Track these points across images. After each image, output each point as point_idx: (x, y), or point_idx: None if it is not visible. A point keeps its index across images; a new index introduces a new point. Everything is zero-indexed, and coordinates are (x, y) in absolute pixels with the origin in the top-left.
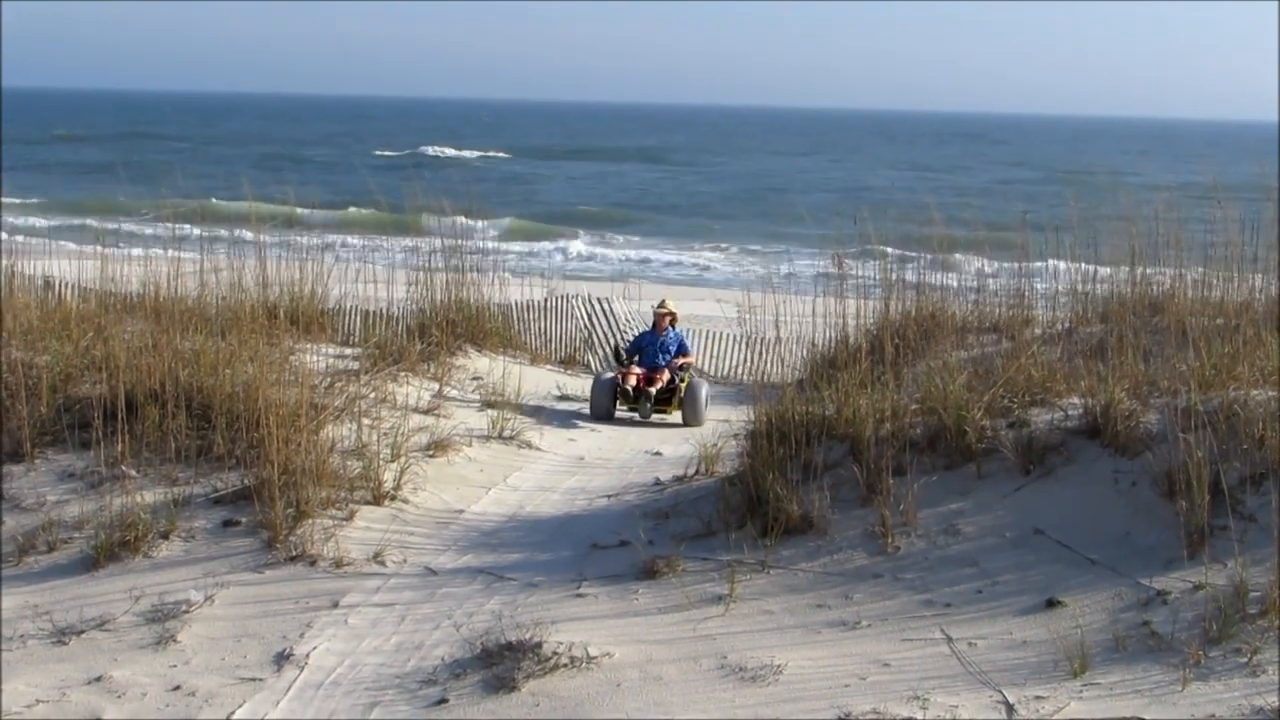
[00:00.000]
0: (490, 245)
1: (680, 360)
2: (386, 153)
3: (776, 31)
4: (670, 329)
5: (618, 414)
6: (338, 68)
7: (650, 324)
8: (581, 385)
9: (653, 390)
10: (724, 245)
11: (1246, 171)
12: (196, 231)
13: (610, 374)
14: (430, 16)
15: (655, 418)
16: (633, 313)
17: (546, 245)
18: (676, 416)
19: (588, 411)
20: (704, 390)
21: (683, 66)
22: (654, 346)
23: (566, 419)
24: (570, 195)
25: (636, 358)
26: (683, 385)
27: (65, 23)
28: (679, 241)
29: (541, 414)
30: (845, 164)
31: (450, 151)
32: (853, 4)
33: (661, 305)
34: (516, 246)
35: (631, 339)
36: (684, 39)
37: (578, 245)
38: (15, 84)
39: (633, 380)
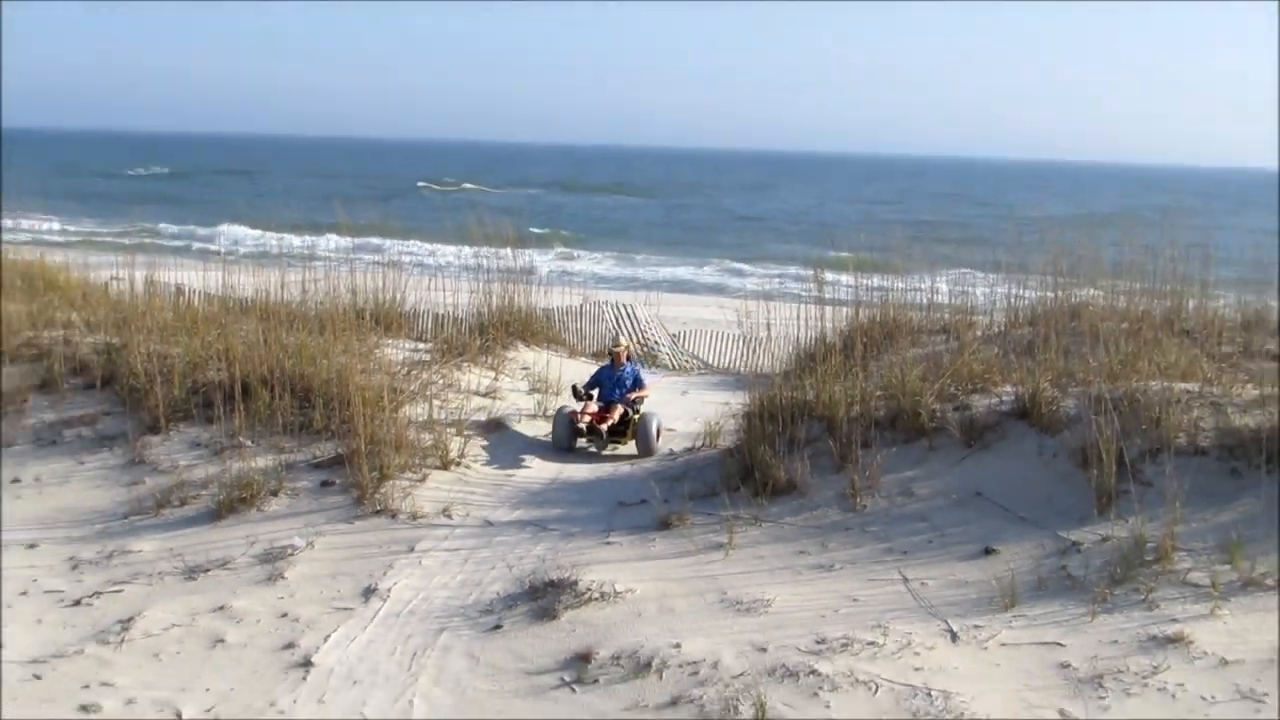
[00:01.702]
0: (537, 260)
1: (635, 394)
2: (433, 186)
3: (727, 83)
4: (627, 364)
5: (577, 445)
6: (344, 112)
7: (671, 336)
8: None
9: (604, 428)
10: (714, 261)
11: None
12: (298, 244)
13: (569, 409)
14: (412, 64)
15: (610, 450)
16: (651, 316)
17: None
18: (632, 447)
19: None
20: (654, 423)
21: (646, 112)
22: (611, 381)
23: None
24: (561, 220)
25: (596, 391)
26: (636, 418)
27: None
28: (678, 258)
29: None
30: (802, 196)
31: (469, 185)
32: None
33: (615, 343)
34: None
35: (591, 376)
36: (646, 89)
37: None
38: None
39: (585, 419)
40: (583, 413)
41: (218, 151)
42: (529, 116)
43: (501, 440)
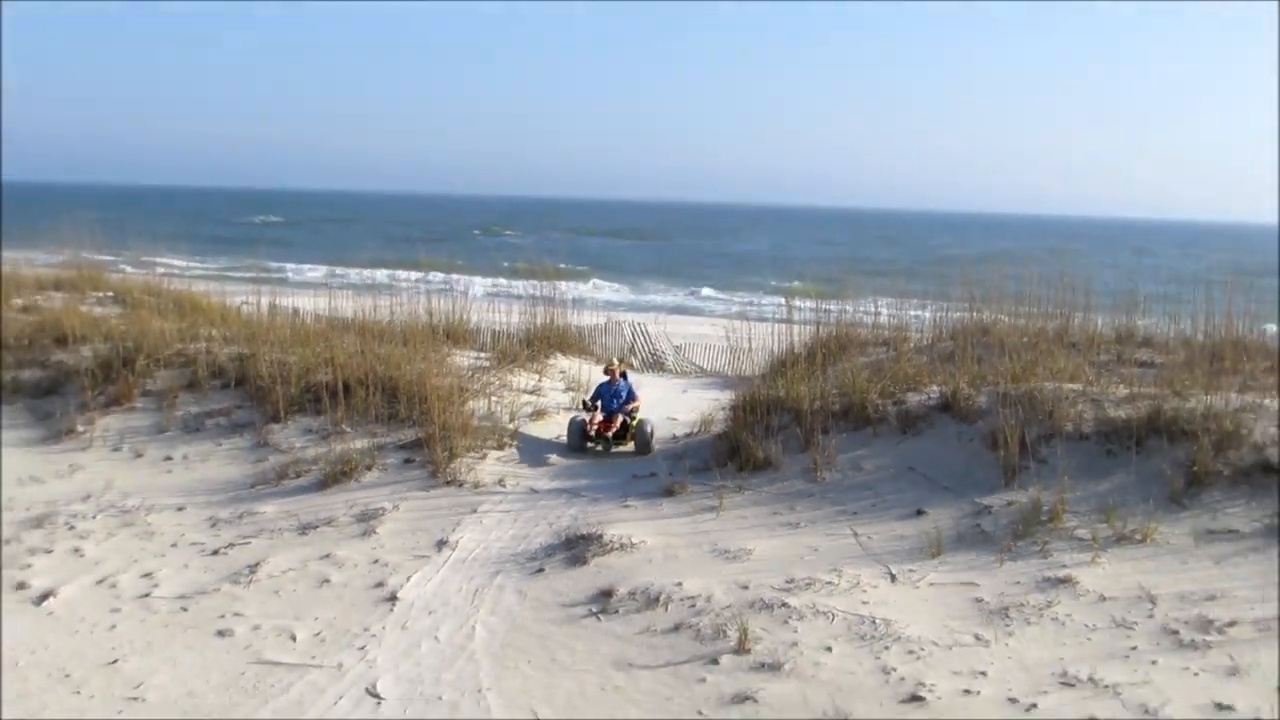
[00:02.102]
0: (568, 289)
1: (629, 405)
2: (477, 232)
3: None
4: (620, 380)
5: (587, 446)
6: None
7: (672, 352)
8: (632, 376)
9: (609, 434)
10: (704, 288)
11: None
12: (386, 279)
13: (581, 418)
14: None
15: (615, 450)
16: (659, 332)
17: (571, 285)
18: (631, 447)
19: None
20: (649, 428)
21: (632, 169)
22: (609, 394)
23: None
24: (585, 258)
25: (599, 403)
26: (634, 424)
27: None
28: (676, 287)
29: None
30: (763, 240)
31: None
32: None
33: (610, 364)
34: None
35: (594, 390)
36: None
37: (602, 289)
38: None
39: (594, 428)
40: (591, 423)
41: (320, 205)
42: (549, 174)
43: (543, 428)
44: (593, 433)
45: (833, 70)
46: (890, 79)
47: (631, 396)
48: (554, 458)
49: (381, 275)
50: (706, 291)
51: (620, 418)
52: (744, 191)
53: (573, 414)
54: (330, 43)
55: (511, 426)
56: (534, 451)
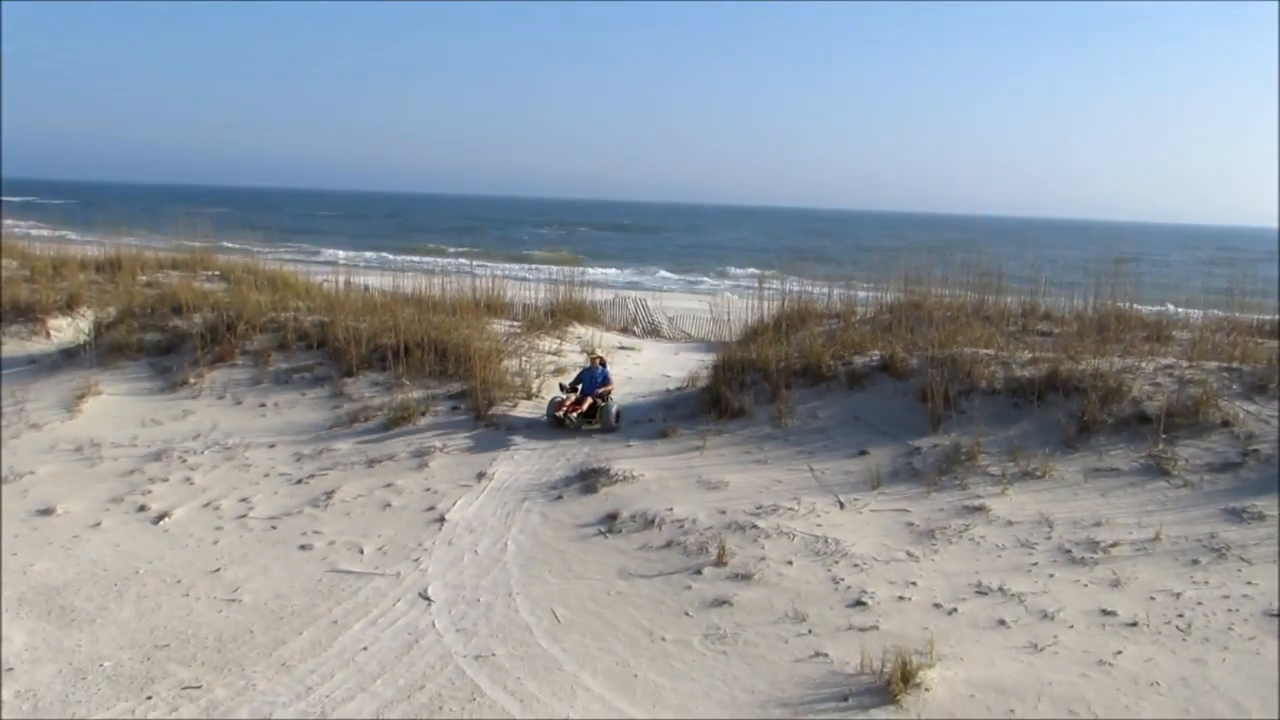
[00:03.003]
0: (583, 271)
1: (602, 389)
2: (536, 229)
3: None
4: (599, 367)
5: (558, 420)
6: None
7: (663, 341)
8: (633, 341)
9: (574, 416)
10: (693, 271)
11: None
12: (443, 263)
13: (558, 399)
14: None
15: (584, 427)
16: (656, 306)
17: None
18: (598, 425)
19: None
20: (613, 408)
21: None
22: (590, 378)
23: (624, 360)
24: (598, 246)
25: (580, 385)
26: (601, 406)
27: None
28: (671, 270)
29: (612, 356)
30: (735, 233)
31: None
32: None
33: (593, 352)
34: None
35: (577, 374)
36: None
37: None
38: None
39: (562, 411)
40: (564, 404)
41: (380, 203)
42: (580, 178)
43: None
44: (560, 415)
45: (755, 72)
46: (800, 79)
47: (606, 381)
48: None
49: (437, 260)
50: (695, 273)
51: (589, 400)
52: (686, 194)
53: (554, 394)
54: (330, 44)
55: (538, 381)
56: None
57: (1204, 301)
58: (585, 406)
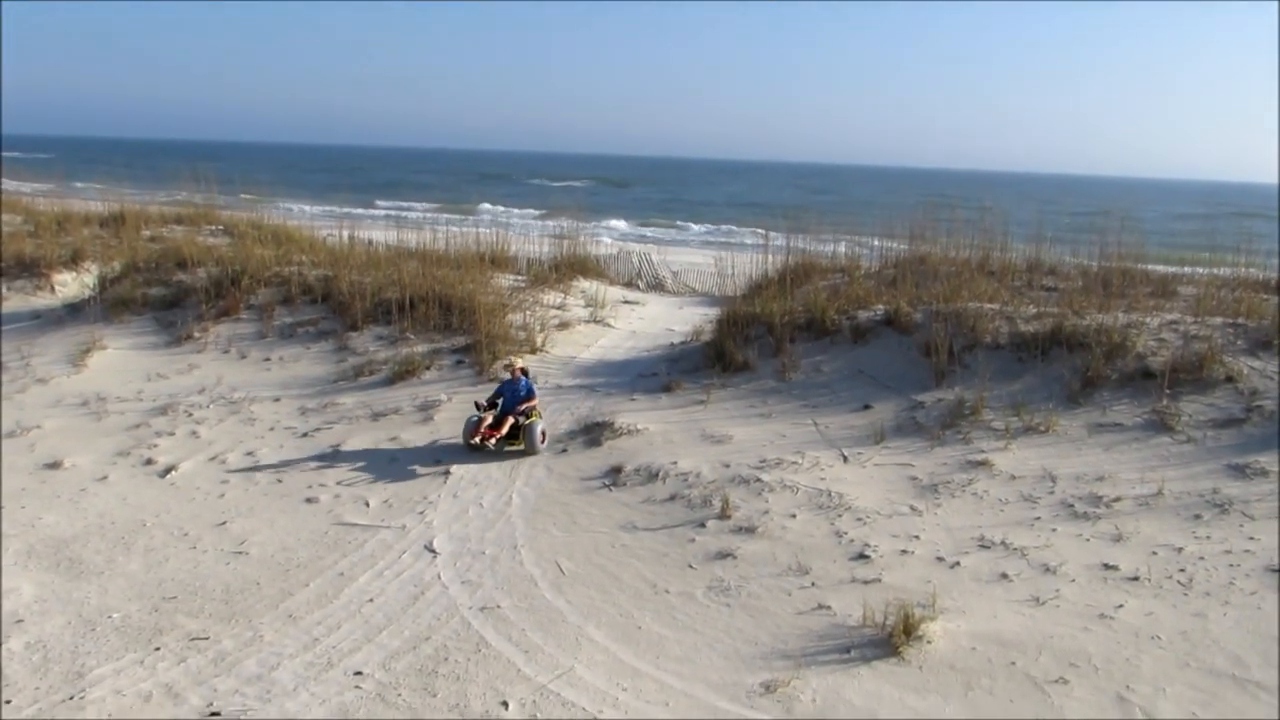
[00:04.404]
0: (588, 225)
1: (524, 405)
2: (536, 181)
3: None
4: (521, 378)
5: (472, 446)
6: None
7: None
8: (637, 295)
9: (491, 443)
10: (697, 224)
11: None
12: (445, 216)
13: (475, 418)
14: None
15: (506, 449)
16: (660, 260)
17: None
18: (522, 446)
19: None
20: (537, 428)
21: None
22: (510, 392)
23: (629, 314)
24: (601, 200)
25: (499, 400)
26: (526, 424)
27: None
28: (675, 224)
29: (616, 311)
30: (737, 187)
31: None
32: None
33: (510, 364)
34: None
35: (496, 388)
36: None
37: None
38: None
39: (478, 437)
40: (478, 428)
41: (396, 159)
42: (570, 130)
43: (567, 337)
44: (476, 440)
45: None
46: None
47: (529, 395)
48: (576, 358)
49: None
50: (699, 226)
51: (510, 421)
52: (664, 147)
53: (470, 415)
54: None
55: (542, 335)
56: (559, 354)
57: (1167, 259)
58: (505, 429)
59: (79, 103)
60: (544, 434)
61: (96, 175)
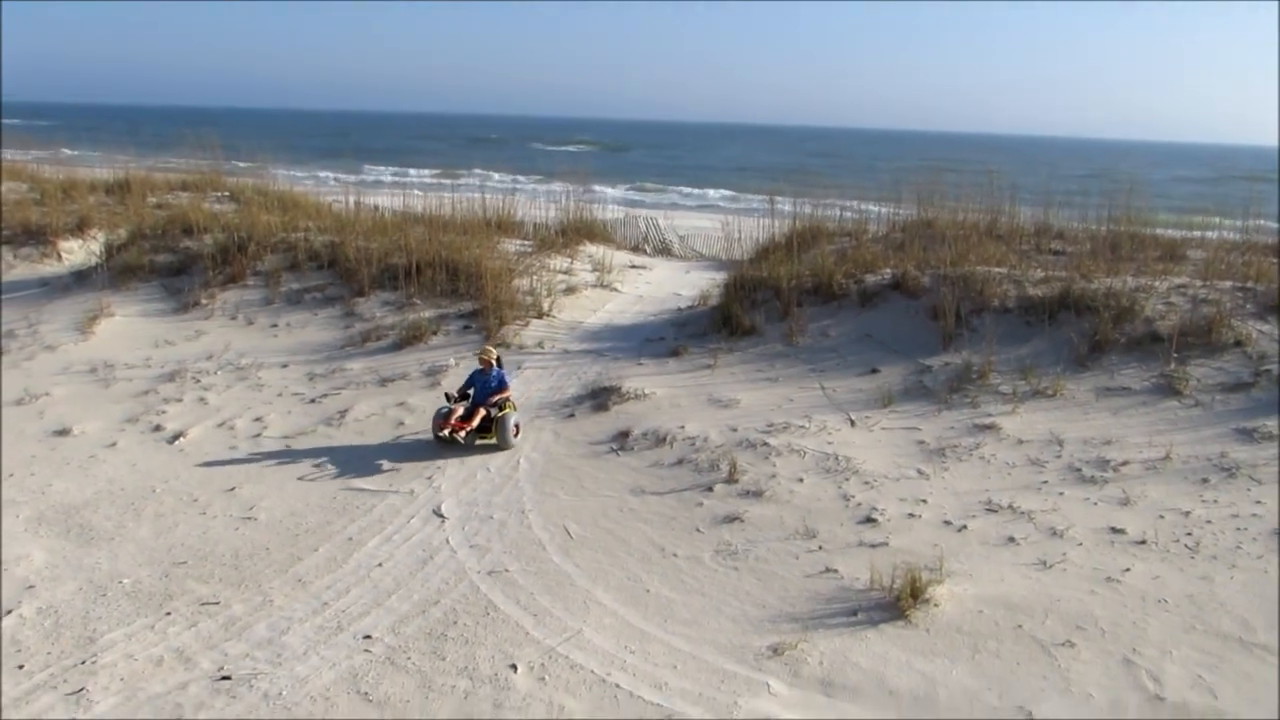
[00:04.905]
0: (595, 189)
1: (496, 396)
2: (537, 145)
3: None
4: (494, 368)
5: (440, 438)
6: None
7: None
8: (644, 260)
9: (461, 436)
10: (703, 188)
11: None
12: (450, 181)
13: (445, 409)
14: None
15: (478, 442)
16: (667, 225)
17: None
18: (494, 440)
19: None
20: (510, 421)
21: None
22: (482, 383)
23: (636, 279)
24: (606, 164)
25: (471, 390)
26: (498, 416)
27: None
28: (681, 188)
29: (623, 275)
30: (743, 151)
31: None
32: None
33: (484, 352)
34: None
35: (467, 378)
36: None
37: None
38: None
39: (447, 430)
40: (449, 420)
41: (392, 125)
42: (577, 94)
43: (574, 302)
44: (446, 433)
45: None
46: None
47: (501, 387)
48: (583, 323)
49: (446, 179)
50: (705, 190)
51: (482, 413)
52: (657, 110)
53: (440, 407)
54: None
55: (549, 300)
56: (566, 319)
57: (1175, 223)
58: (476, 421)
59: (72, 68)
60: (518, 427)
61: (100, 143)
